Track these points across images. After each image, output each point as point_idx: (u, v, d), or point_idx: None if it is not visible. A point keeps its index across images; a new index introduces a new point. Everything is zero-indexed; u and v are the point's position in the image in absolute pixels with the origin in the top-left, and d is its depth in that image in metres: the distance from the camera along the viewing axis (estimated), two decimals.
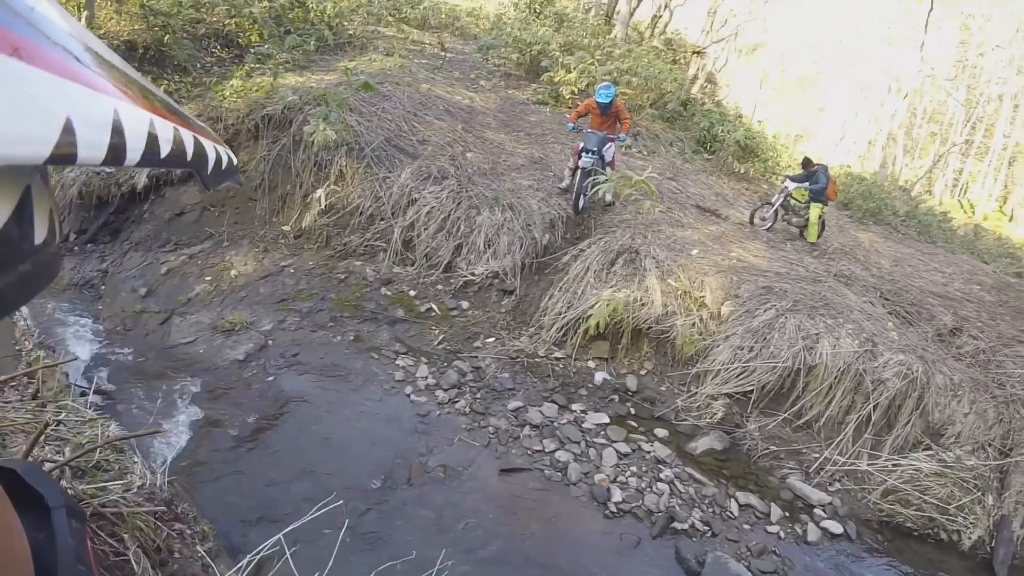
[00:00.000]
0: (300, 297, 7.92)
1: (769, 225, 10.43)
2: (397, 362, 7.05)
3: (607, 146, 8.78)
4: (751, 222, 10.43)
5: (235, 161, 1.20)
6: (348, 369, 6.89)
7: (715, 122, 13.80)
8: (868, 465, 6.75)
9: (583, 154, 8.56)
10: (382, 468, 5.71)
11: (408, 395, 6.62)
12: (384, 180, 8.67)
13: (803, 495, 6.44)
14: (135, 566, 3.09)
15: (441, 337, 7.54)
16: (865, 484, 6.65)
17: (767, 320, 7.37)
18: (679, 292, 7.60)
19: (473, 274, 8.15)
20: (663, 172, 11.30)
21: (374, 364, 7.00)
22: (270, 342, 7.18)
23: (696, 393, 7.20)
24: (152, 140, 0.64)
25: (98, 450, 3.37)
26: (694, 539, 5.63)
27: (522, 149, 10.54)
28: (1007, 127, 33.21)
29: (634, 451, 6.42)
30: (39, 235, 0.54)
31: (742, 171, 13.68)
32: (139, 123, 0.61)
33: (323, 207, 8.67)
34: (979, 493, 6.44)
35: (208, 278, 8.31)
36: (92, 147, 0.49)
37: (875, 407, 6.92)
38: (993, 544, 6.24)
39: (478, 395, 6.78)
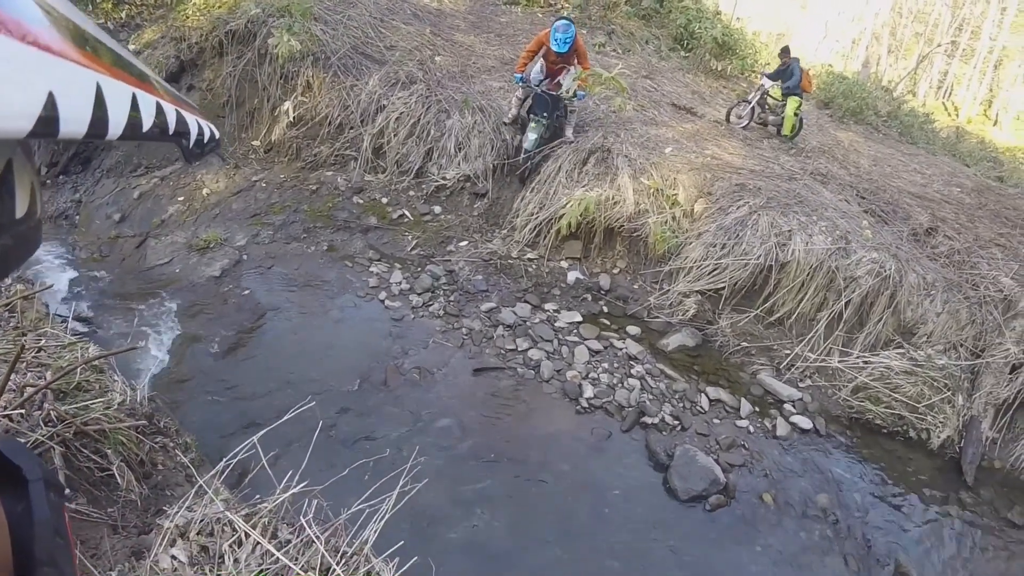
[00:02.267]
0: (273, 210, 7.82)
1: (746, 123, 10.29)
2: (371, 269, 7.04)
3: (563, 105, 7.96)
4: (727, 120, 10.29)
5: (217, 135, 1.18)
6: (323, 278, 6.88)
7: (692, 19, 13.31)
8: (839, 362, 6.81)
9: (531, 116, 7.80)
10: (358, 372, 5.77)
11: (382, 300, 6.64)
12: (352, 88, 8.42)
13: (773, 391, 6.54)
14: (119, 479, 3.20)
15: (414, 242, 7.51)
16: (835, 381, 6.73)
17: (740, 217, 7.33)
18: (652, 190, 7.52)
19: (444, 178, 8.03)
20: (638, 71, 11.02)
21: (348, 272, 6.99)
22: (245, 256, 7.15)
23: (668, 291, 7.24)
24: (134, 114, 0.65)
25: (78, 371, 3.41)
26: (664, 433, 5.75)
27: (492, 51, 10.22)
28: (993, 30, 32.41)
29: (606, 348, 6.51)
30: (20, 209, 0.54)
31: (719, 69, 13.37)
32: (121, 97, 0.61)
33: (292, 119, 8.45)
34: (949, 393, 6.49)
35: (181, 198, 8.17)
36: (74, 121, 0.49)
37: (847, 304, 6.95)
38: (962, 444, 6.32)
39: (452, 298, 6.81)
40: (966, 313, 7.09)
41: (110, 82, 0.58)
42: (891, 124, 16.19)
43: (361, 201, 7.95)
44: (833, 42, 29.73)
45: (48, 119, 0.43)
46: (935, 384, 6.51)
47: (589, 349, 6.41)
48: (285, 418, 3.38)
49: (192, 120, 0.94)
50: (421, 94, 8.39)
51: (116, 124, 0.59)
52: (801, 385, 6.71)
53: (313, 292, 6.69)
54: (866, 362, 6.75)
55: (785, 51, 10.38)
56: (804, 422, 6.23)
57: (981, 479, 6.16)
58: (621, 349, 6.53)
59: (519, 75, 7.85)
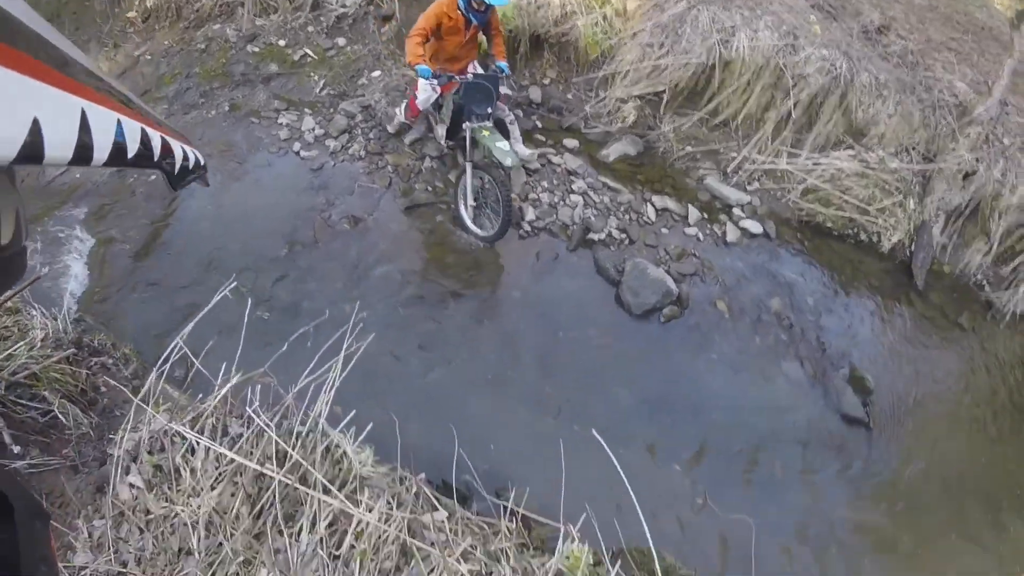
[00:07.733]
0: (163, 82, 7.04)
1: None
2: (280, 120, 6.38)
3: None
4: None
5: (202, 160, 1.26)
6: (230, 142, 6.25)
7: None
8: (788, 164, 6.66)
9: (468, 122, 5.22)
10: (284, 235, 5.40)
11: (297, 152, 6.08)
12: None
13: (721, 195, 6.38)
14: (63, 419, 3.16)
15: (322, 83, 6.77)
16: (784, 184, 6.59)
17: (678, 13, 6.81)
18: None
19: (344, 5, 7.20)
20: None
21: (256, 128, 6.35)
22: None
23: (605, 98, 6.78)
24: (119, 140, 0.68)
25: None
26: (612, 248, 5.61)
27: None
28: None
29: (544, 166, 6.14)
30: (5, 236, 0.58)
31: None
32: (106, 124, 0.65)
33: None
34: (901, 196, 6.45)
35: None
36: (59, 147, 0.51)
37: (795, 104, 6.68)
38: (912, 248, 6.35)
39: (371, 135, 6.23)
40: (919, 116, 6.90)
41: (95, 108, 0.60)
42: None
43: (256, 49, 7.13)
44: None
45: (33, 145, 0.43)
46: (886, 187, 6.46)
47: (526, 169, 5.98)
48: (205, 310, 3.25)
49: (177, 146, 1.01)
50: None
51: (101, 150, 0.62)
52: (749, 188, 6.55)
53: (222, 159, 6.07)
54: (816, 163, 6.62)
55: None
56: (754, 226, 6.14)
57: (931, 283, 6.25)
58: (559, 165, 6.15)
59: (424, 67, 5.04)
